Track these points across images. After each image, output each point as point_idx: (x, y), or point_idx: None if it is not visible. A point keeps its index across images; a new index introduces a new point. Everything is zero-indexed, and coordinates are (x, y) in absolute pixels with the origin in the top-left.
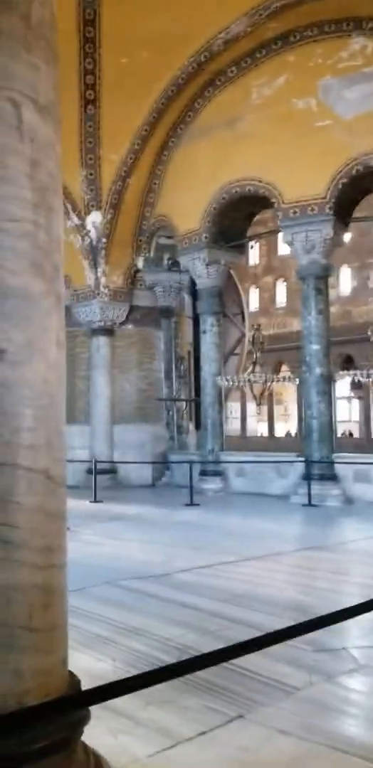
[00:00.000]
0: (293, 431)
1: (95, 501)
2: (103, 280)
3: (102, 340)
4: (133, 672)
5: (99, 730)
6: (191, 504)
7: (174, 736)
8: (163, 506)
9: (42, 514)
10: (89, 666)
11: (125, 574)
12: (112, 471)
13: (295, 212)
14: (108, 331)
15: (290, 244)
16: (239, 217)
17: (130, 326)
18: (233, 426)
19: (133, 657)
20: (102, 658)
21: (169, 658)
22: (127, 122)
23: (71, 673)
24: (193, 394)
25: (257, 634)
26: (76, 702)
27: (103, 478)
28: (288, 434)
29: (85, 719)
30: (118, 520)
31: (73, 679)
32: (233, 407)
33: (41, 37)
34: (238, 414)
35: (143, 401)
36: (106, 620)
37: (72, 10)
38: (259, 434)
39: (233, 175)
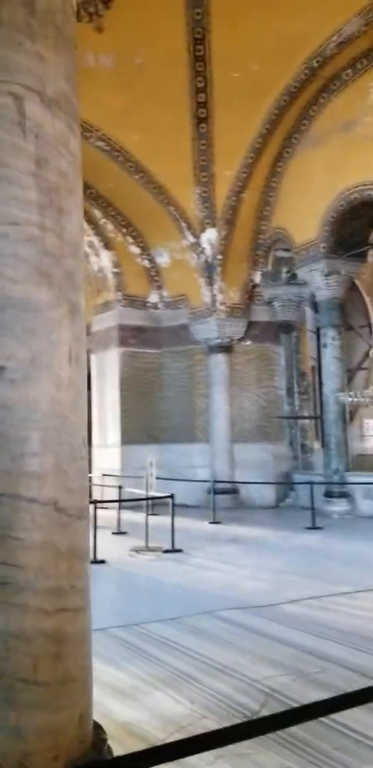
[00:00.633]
0: None
1: (214, 522)
2: (219, 297)
3: (220, 358)
4: (209, 718)
5: None
6: (313, 527)
7: None
8: (283, 529)
9: (49, 552)
10: (165, 707)
11: (228, 604)
12: (234, 491)
13: None
14: (226, 348)
15: None
16: (359, 224)
17: (248, 342)
18: (371, 444)
19: (213, 700)
20: (180, 700)
21: (252, 703)
22: (240, 137)
23: (97, 728)
24: (318, 411)
25: (355, 678)
26: None
27: (224, 498)
28: None
29: None
30: (233, 543)
31: (98, 737)
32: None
33: (49, 24)
34: None
35: (264, 419)
36: (195, 655)
37: (181, 31)
38: None
39: (351, 181)
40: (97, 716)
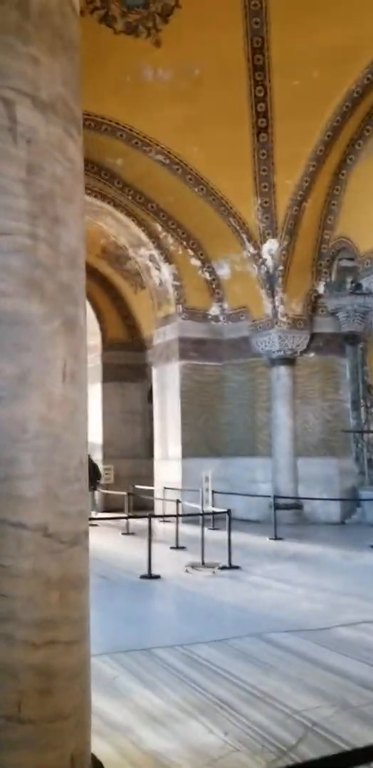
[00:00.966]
0: None
1: (275, 538)
2: (281, 308)
3: (282, 370)
4: (242, 751)
5: None
6: None
7: None
8: (346, 547)
9: (38, 580)
10: (197, 737)
11: (279, 626)
12: (297, 506)
13: None
14: (288, 361)
15: None
16: None
17: (311, 355)
18: None
19: (249, 731)
20: (214, 730)
21: (289, 737)
22: (301, 145)
23: (97, 766)
24: None
25: None
26: None
27: (287, 513)
28: None
29: None
30: (293, 561)
31: None
32: None
33: (44, 26)
34: None
35: (328, 433)
36: (236, 681)
37: (239, 41)
38: None
39: None
40: (127, 744)
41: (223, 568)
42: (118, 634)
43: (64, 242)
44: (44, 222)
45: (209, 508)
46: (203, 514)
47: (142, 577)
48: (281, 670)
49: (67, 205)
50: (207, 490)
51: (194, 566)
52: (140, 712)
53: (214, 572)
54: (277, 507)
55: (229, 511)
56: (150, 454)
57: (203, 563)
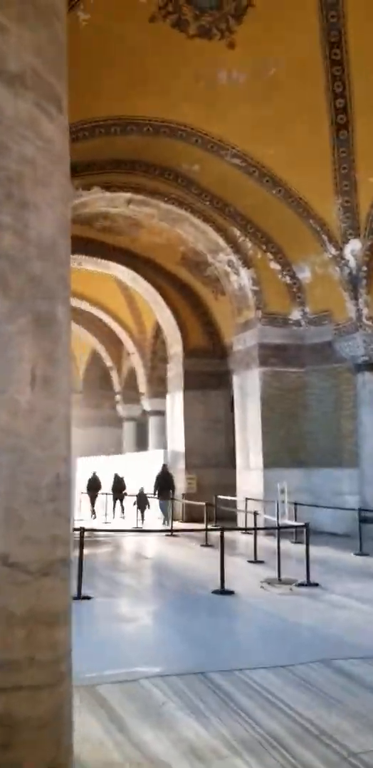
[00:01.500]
0: None
1: (360, 554)
2: (365, 311)
3: (367, 376)
4: None
5: None
6: None
7: None
8: None
9: None
10: None
11: (351, 651)
12: None
13: None
14: None
15: None
16: None
17: None
18: None
19: None
20: None
21: None
22: None
23: None
24: None
25: None
26: None
27: None
28: None
29: None
30: None
31: None
32: None
33: None
34: None
35: None
36: (292, 714)
37: (315, 36)
38: None
39: None
40: None
41: (300, 585)
42: (177, 653)
43: (34, 230)
44: (9, 208)
45: (286, 521)
46: (279, 527)
47: (214, 592)
48: (344, 703)
49: (39, 189)
50: (283, 501)
51: (269, 582)
52: (183, 746)
53: (290, 589)
54: (363, 520)
55: (306, 525)
56: (233, 463)
57: (280, 579)
